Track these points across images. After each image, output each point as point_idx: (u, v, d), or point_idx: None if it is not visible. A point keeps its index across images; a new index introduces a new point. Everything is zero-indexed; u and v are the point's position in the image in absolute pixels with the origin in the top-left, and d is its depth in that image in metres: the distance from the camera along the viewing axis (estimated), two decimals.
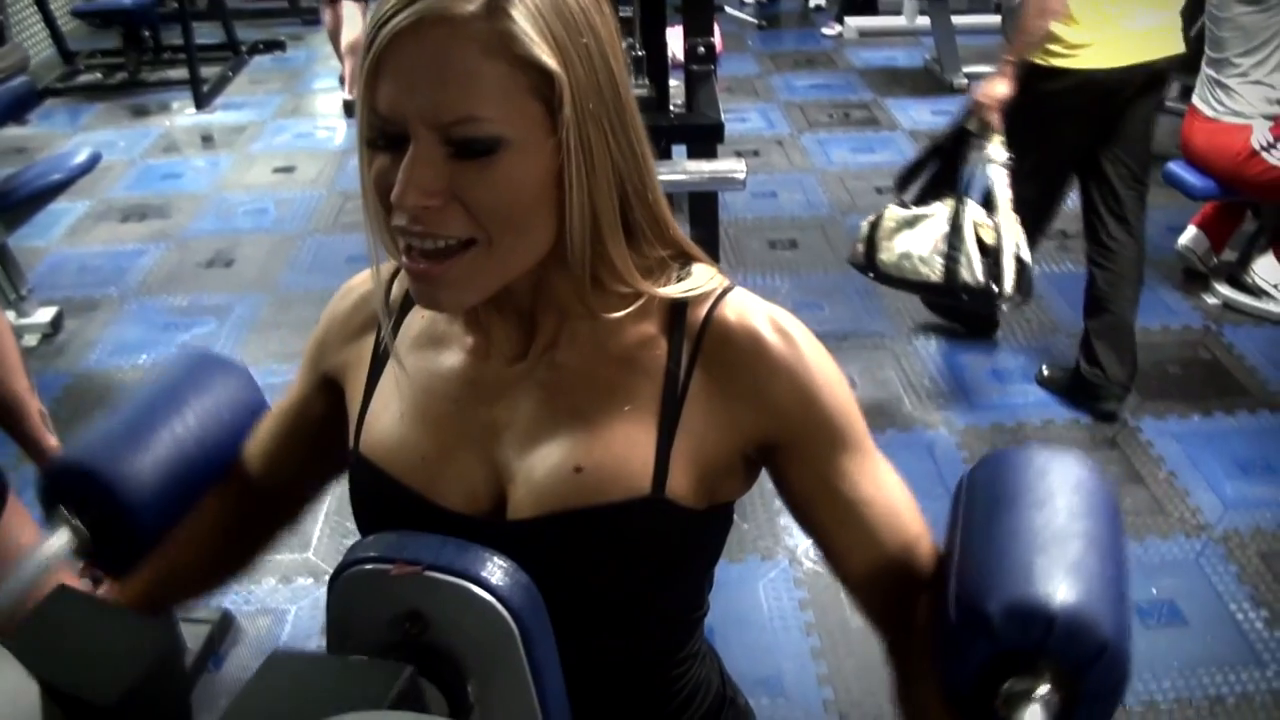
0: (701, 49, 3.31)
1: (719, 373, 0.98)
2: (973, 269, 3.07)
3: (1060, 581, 0.84)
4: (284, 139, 6.09)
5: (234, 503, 1.21)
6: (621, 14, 3.18)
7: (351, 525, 1.12)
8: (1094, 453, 3.32)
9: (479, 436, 1.01)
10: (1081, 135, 3.30)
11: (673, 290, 0.99)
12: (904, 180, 3.30)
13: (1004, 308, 3.15)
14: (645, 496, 0.96)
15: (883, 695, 2.53)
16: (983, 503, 0.95)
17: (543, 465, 0.98)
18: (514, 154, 0.86)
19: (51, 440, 1.77)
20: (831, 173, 5.40)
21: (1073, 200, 4.95)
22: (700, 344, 0.99)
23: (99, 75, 7.02)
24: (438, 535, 0.90)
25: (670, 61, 3.25)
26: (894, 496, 1.03)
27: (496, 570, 0.87)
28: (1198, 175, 3.89)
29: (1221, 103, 3.72)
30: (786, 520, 3.00)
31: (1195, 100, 3.86)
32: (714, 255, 0.96)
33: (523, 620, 0.87)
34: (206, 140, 6.11)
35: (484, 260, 0.89)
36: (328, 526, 3.06)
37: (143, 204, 5.24)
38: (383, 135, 0.87)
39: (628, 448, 0.97)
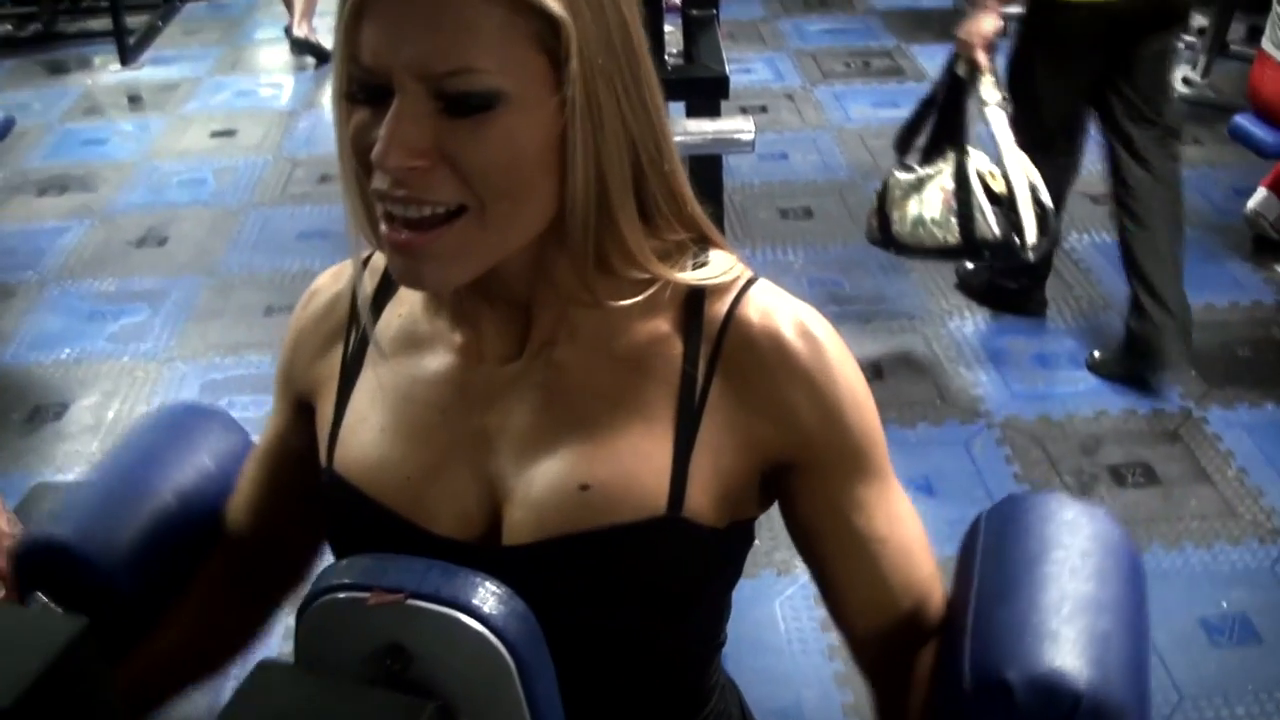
0: None
1: (739, 380, 0.98)
2: (988, 222, 3.15)
3: (1088, 657, 0.87)
4: (223, 98, 6.07)
5: (232, 566, 1.21)
6: None
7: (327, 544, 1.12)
8: (1155, 448, 3.34)
9: (470, 449, 1.00)
10: (1091, 71, 3.43)
11: (690, 276, 0.98)
12: (903, 141, 3.40)
13: (1030, 257, 3.20)
14: (661, 516, 0.95)
15: None
16: (1002, 556, 0.98)
17: (543, 481, 0.97)
18: (512, 111, 0.85)
19: None
20: (850, 130, 5.41)
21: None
22: (721, 345, 0.98)
23: (9, 27, 6.97)
24: (421, 558, 0.90)
25: (665, 3, 3.25)
26: (909, 535, 1.04)
27: (489, 597, 0.87)
28: (1268, 129, 3.90)
29: None
30: None
31: (1265, 43, 3.87)
32: (719, 227, 0.97)
33: (519, 654, 0.87)
34: (134, 101, 6.09)
35: (475, 231, 0.88)
36: None
37: (63, 175, 5.23)
38: (363, 88, 0.86)
39: (640, 461, 0.96)
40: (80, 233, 4.74)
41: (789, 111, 5.66)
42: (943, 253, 3.31)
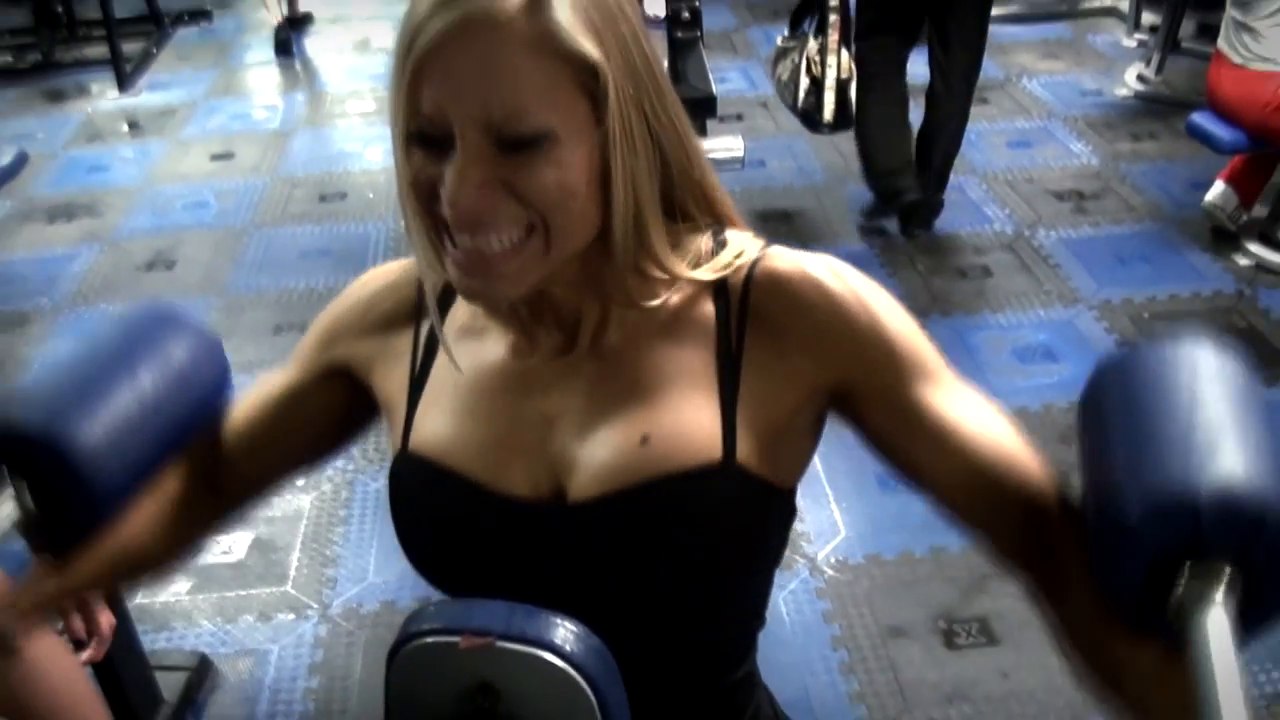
0: (686, 13, 3.35)
1: (772, 327, 1.04)
2: (799, 95, 4.05)
3: (1200, 465, 0.82)
4: (219, 121, 6.07)
5: (197, 483, 1.22)
6: None
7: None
8: None
9: (535, 426, 1.07)
10: None
11: (706, 272, 1.05)
12: (793, 21, 4.20)
13: (825, 131, 4.14)
14: (716, 463, 1.01)
15: (920, 711, 2.59)
16: (1107, 408, 0.94)
17: (605, 441, 1.03)
18: (561, 145, 0.92)
19: None
20: (822, 138, 5.43)
21: (1085, 158, 5.02)
22: (747, 302, 1.05)
23: (9, 57, 6.96)
24: (503, 602, 0.94)
25: (648, 19, 3.30)
26: (985, 416, 1.04)
27: (569, 636, 0.91)
28: (1225, 127, 3.97)
29: (1249, 48, 3.79)
30: (804, 525, 3.07)
31: (1221, 45, 3.93)
32: None
33: (598, 686, 0.91)
34: (134, 126, 6.07)
35: (539, 251, 0.96)
36: (305, 556, 3.10)
37: (70, 202, 5.21)
38: (424, 134, 0.93)
39: (692, 415, 1.02)
40: (90, 258, 4.74)
41: (764, 119, 5.70)
42: (789, 108, 4.26)
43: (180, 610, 2.97)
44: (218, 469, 1.23)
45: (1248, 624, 0.81)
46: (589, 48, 0.91)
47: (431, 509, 1.09)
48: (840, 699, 2.64)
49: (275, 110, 6.20)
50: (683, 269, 1.03)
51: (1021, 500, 1.00)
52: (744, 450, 1.02)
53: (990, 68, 5.98)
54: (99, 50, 6.72)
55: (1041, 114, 5.54)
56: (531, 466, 1.06)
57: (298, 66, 6.90)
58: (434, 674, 0.93)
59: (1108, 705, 0.93)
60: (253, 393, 1.26)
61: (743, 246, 1.07)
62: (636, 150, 0.96)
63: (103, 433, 1.09)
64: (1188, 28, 5.74)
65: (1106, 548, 0.85)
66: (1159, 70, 5.63)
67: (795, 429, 1.06)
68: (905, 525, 3.07)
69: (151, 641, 2.78)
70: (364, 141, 5.68)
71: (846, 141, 5.23)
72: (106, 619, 1.91)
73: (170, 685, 2.64)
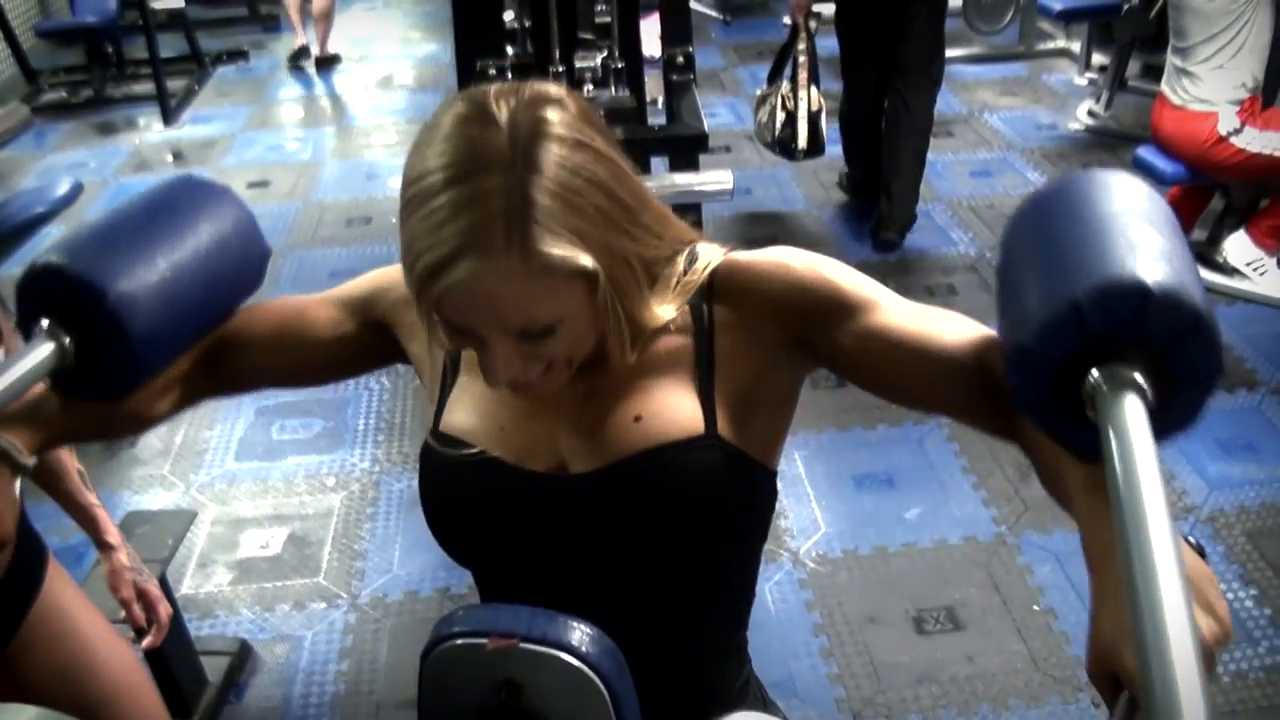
0: (681, 59, 3.37)
1: (733, 305, 1.10)
2: (776, 128, 4.41)
3: (1144, 260, 0.78)
4: (255, 152, 6.08)
5: (198, 355, 1.18)
6: (598, 18, 3.24)
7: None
8: None
9: (546, 411, 1.11)
10: (875, 32, 4.40)
11: (681, 301, 1.10)
12: (771, 72, 4.55)
13: (799, 158, 4.50)
14: (700, 434, 1.07)
15: (893, 692, 2.60)
16: (1042, 222, 0.90)
17: (602, 420, 1.09)
18: (570, 322, 0.98)
19: (91, 498, 1.81)
20: (805, 166, 5.45)
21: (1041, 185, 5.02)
22: (711, 293, 1.11)
23: (64, 94, 6.97)
24: (525, 607, 0.96)
25: (645, 59, 3.33)
26: (929, 315, 1.07)
27: (585, 639, 0.93)
28: (1167, 160, 3.98)
29: (1188, 90, 3.81)
30: (787, 522, 3.08)
31: (1163, 87, 3.96)
32: None
33: (610, 683, 0.93)
34: (178, 156, 6.09)
35: (563, 371, 1.04)
36: (336, 550, 3.11)
37: None
38: (453, 332, 0.99)
39: (677, 397, 1.09)
40: None
41: (750, 151, 5.69)
42: (768, 145, 4.60)
43: (223, 600, 2.98)
44: (220, 348, 1.20)
45: (1169, 414, 0.78)
46: (580, 261, 0.93)
47: (458, 480, 1.12)
48: (821, 680, 2.66)
49: (306, 142, 6.21)
50: (668, 314, 1.09)
51: (979, 373, 0.99)
52: (723, 423, 1.08)
53: (954, 104, 6.01)
54: (146, 87, 6.76)
55: (1001, 146, 5.56)
56: (544, 446, 1.10)
57: (325, 101, 6.93)
58: (463, 671, 0.95)
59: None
60: (280, 300, 1.25)
61: (709, 257, 1.12)
62: (624, 287, 1.01)
63: (148, 290, 1.00)
64: (1134, 68, 5.75)
65: (1016, 373, 0.83)
66: (1108, 106, 5.65)
67: (769, 398, 1.12)
68: (879, 523, 3.08)
69: (197, 629, 2.79)
70: (387, 171, 5.69)
71: (824, 172, 5.28)
72: (165, 609, 1.93)
73: (214, 669, 2.66)
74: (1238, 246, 4.09)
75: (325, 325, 1.21)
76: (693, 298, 1.10)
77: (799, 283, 1.08)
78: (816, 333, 1.08)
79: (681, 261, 1.10)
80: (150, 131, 6.47)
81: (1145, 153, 4.10)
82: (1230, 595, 2.83)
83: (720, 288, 1.11)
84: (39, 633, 1.66)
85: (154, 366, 1.06)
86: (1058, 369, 0.79)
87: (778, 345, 1.10)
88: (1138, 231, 0.81)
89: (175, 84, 6.87)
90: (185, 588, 3.00)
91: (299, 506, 3.32)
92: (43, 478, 1.75)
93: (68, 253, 0.98)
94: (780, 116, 4.39)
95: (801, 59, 4.31)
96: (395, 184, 5.26)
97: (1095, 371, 0.78)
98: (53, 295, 0.97)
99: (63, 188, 3.83)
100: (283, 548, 3.15)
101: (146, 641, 1.92)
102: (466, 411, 1.13)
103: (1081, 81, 6.25)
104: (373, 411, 3.73)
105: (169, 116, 6.52)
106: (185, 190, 1.15)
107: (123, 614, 1.90)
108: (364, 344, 1.22)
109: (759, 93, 4.60)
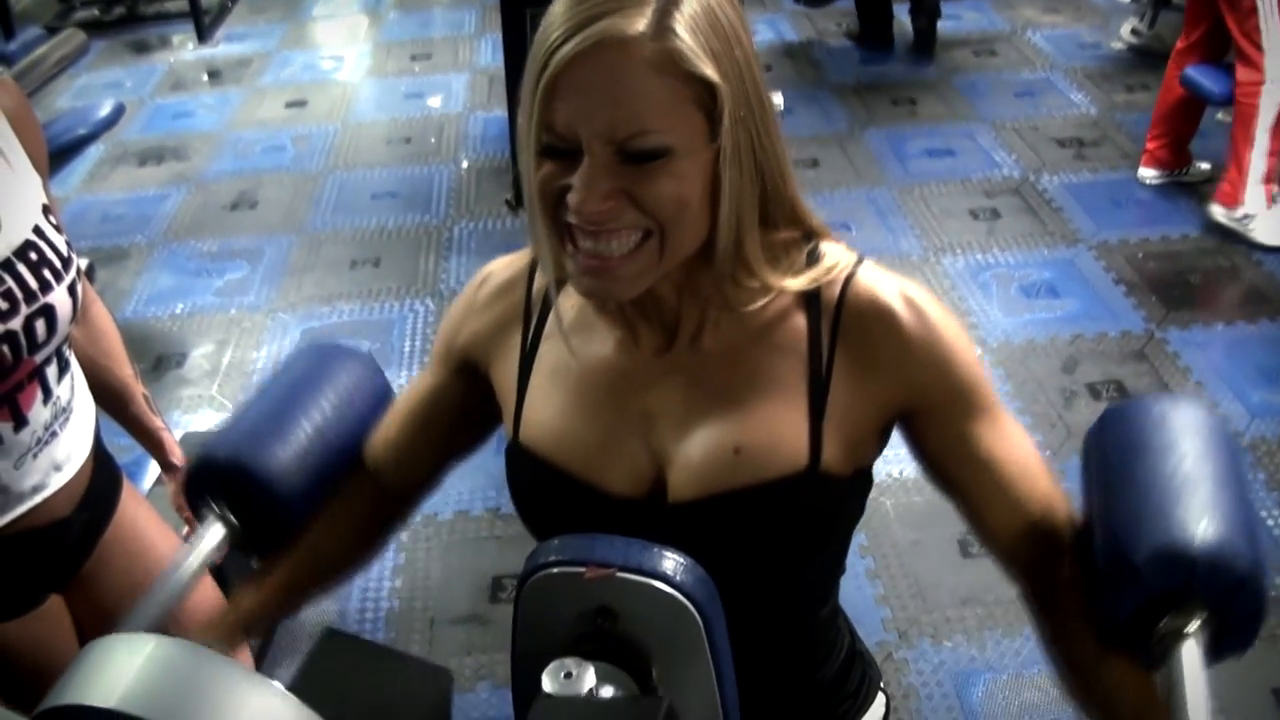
0: None
1: (858, 349, 1.06)
2: None
3: (1196, 524, 0.92)
4: (291, 71, 6.05)
5: (372, 487, 1.27)
6: None
7: None
8: (1125, 366, 3.42)
9: (635, 424, 1.09)
10: None
11: (800, 283, 1.05)
12: None
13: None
14: (802, 472, 1.04)
15: (938, 612, 2.63)
16: (1112, 457, 1.02)
17: (701, 449, 1.06)
18: (678, 159, 0.93)
19: (157, 421, 1.85)
20: (846, 85, 5.42)
21: (1084, 107, 4.97)
22: (839, 322, 1.06)
23: (96, 11, 6.92)
24: (620, 536, 0.98)
25: None
26: (1025, 455, 1.08)
27: (679, 567, 0.95)
28: (1216, 79, 3.94)
29: None
30: None
31: None
32: None
33: (703, 610, 0.95)
34: (214, 75, 6.06)
35: (654, 254, 0.97)
36: None
37: (159, 146, 5.24)
38: (553, 148, 0.94)
39: (782, 427, 1.05)
40: (179, 199, 4.77)
41: (789, 69, 5.65)
42: None
43: None
44: (385, 472, 1.27)
45: (1209, 657, 0.91)
46: (709, 70, 0.91)
47: (538, 500, 1.13)
48: (868, 600, 2.71)
49: (341, 60, 6.17)
50: (776, 279, 1.04)
51: (1040, 532, 1.06)
52: (829, 457, 1.04)
53: (997, 20, 5.93)
54: (179, 3, 6.68)
55: (1045, 65, 5.48)
56: (631, 463, 1.08)
57: (361, 18, 6.87)
58: (559, 598, 0.97)
59: (1081, 706, 1.02)
60: (403, 398, 1.29)
61: (837, 259, 1.07)
62: (743, 168, 0.96)
63: (290, 458, 1.18)
64: None
65: (1111, 580, 0.94)
66: (1151, 24, 5.55)
67: (872, 436, 1.09)
68: None
69: None
70: (426, 89, 5.67)
71: (867, 91, 5.23)
72: None
73: None
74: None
75: (436, 398, 1.25)
76: (810, 312, 1.07)
77: (931, 356, 1.05)
78: (922, 411, 1.07)
79: (799, 252, 1.07)
80: (185, 50, 6.43)
81: (1194, 72, 4.04)
82: (1270, 521, 2.85)
83: (850, 319, 1.06)
84: (114, 550, 1.71)
85: (305, 517, 1.22)
86: (1149, 593, 0.92)
87: (889, 403, 1.07)
88: (1196, 487, 0.96)
89: (208, 1, 6.82)
90: None
91: None
92: (110, 403, 1.78)
93: (226, 446, 1.19)
94: None
95: None
96: (434, 103, 5.23)
97: (1163, 621, 0.92)
98: (212, 479, 1.18)
99: (105, 109, 3.84)
100: None
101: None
102: (545, 420, 1.12)
103: None
104: (418, 333, 3.76)
105: (203, 34, 6.48)
106: (316, 360, 1.32)
107: (186, 530, 1.95)
108: (471, 389, 1.22)
109: None
